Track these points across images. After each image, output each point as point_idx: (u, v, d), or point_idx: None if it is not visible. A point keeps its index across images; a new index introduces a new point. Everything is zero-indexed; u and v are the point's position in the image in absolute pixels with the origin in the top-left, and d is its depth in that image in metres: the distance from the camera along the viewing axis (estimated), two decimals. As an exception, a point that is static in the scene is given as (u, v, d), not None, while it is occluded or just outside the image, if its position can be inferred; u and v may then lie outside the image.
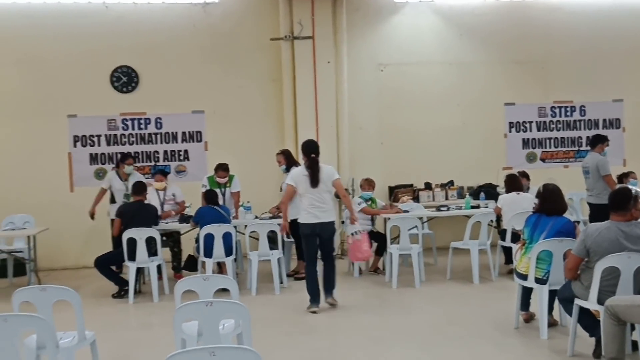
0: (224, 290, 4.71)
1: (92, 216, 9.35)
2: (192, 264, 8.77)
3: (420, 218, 9.14)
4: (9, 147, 10.37)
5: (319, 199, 7.16)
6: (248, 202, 9.06)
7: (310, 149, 7.28)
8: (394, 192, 10.75)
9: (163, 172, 9.45)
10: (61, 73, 10.45)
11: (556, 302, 5.85)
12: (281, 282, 8.40)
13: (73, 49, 10.46)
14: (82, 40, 10.46)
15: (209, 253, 8.17)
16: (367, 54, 11.09)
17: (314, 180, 7.11)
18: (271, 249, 8.32)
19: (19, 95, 10.41)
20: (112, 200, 9.31)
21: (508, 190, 8.67)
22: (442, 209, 9.36)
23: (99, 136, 10.60)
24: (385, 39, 11.17)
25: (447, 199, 10.65)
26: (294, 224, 8.03)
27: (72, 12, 10.41)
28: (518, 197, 8.44)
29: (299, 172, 7.28)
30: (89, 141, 10.58)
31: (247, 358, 2.76)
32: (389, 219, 8.65)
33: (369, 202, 9.16)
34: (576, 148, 11.81)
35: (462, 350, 5.73)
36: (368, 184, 9.25)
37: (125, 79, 10.64)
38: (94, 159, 10.61)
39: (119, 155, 10.09)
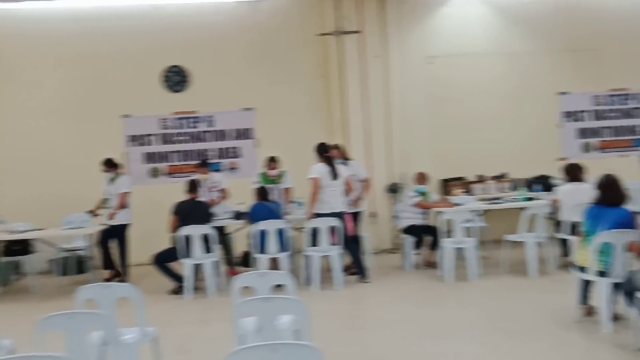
0: (278, 286, 4.75)
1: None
2: (247, 260, 8.86)
3: (474, 211, 9.03)
4: (67, 148, 10.64)
5: (337, 191, 8.25)
6: (300, 197, 9.10)
7: (324, 150, 8.42)
8: (446, 186, 10.65)
9: (206, 164, 9.53)
10: (115, 75, 10.69)
11: (618, 295, 5.71)
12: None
13: (125, 50, 10.68)
14: (133, 42, 10.67)
15: (263, 249, 8.24)
16: (416, 46, 11.00)
17: (335, 174, 8.25)
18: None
19: (74, 97, 10.68)
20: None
21: (567, 181, 8.44)
22: (496, 201, 9.23)
23: (152, 135, 10.80)
24: (433, 31, 11.07)
25: (500, 191, 10.50)
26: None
27: (124, 14, 10.63)
28: (577, 187, 8.21)
29: (322, 168, 8.29)
30: (143, 141, 10.79)
31: (308, 354, 2.78)
32: (443, 212, 8.58)
33: (423, 196, 9.10)
34: (633, 137, 11.49)
35: (521, 344, 5.64)
36: (422, 177, 9.21)
37: (176, 79, 10.81)
38: (148, 157, 10.81)
39: (170, 155, 10.37)
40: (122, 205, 9.31)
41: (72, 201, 9.59)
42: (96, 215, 9.35)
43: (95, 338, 4.31)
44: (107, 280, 8.93)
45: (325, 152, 8.43)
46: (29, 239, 9.16)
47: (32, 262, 9.42)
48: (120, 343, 3.85)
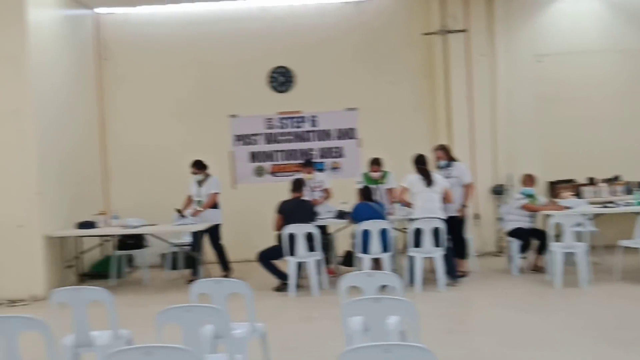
0: (382, 286, 4.74)
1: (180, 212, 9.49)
2: (349, 260, 8.91)
3: (585, 215, 8.68)
4: (177, 147, 11.00)
5: (433, 197, 8.20)
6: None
7: (420, 162, 8.43)
8: (554, 188, 10.31)
9: (311, 163, 9.51)
10: (223, 76, 11.01)
11: None
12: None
13: (234, 52, 10.98)
14: (242, 44, 10.96)
15: (365, 249, 8.26)
16: (524, 45, 10.69)
17: (430, 181, 8.26)
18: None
19: (185, 99, 11.07)
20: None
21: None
22: (609, 205, 8.85)
23: (258, 135, 11.05)
24: (543, 29, 10.71)
25: (613, 194, 10.05)
26: (453, 221, 8.36)
27: (232, 17, 10.96)
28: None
29: (413, 177, 8.39)
30: (248, 140, 11.06)
31: (421, 356, 2.77)
32: (551, 215, 8.31)
33: (530, 199, 8.84)
34: None
35: (635, 356, 5.38)
36: (529, 179, 8.95)
37: (281, 79, 11.01)
38: (253, 157, 11.07)
39: (275, 154, 10.60)
40: (212, 205, 9.51)
41: (181, 198, 9.91)
42: (183, 215, 9.41)
43: (208, 331, 4.46)
44: (190, 281, 8.57)
45: (421, 164, 8.39)
46: (142, 234, 9.56)
47: (144, 256, 9.84)
48: (232, 337, 3.96)
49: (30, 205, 8.73)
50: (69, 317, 4.63)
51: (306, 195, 9.11)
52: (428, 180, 8.24)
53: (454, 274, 8.38)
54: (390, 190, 9.24)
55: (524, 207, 8.78)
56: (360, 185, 9.03)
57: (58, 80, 9.64)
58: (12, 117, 8.69)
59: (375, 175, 9.17)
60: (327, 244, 9.25)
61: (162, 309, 3.89)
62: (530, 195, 8.89)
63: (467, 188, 8.84)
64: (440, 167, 8.79)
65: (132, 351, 2.99)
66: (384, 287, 4.86)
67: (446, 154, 8.88)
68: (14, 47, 8.67)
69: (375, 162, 9.18)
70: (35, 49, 8.88)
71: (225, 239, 9.88)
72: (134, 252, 9.96)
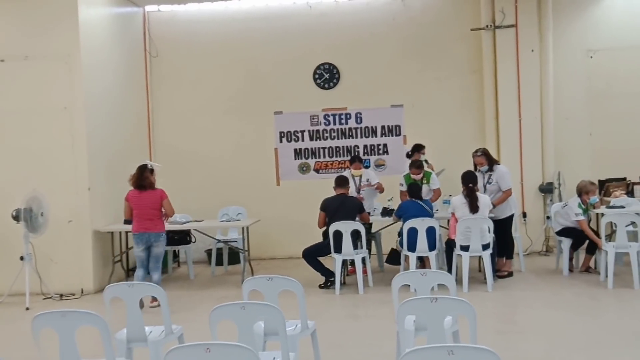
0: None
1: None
2: (395, 258, 8.84)
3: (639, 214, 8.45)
4: (223, 143, 11.06)
5: (476, 228, 7.90)
6: (450, 195, 8.92)
7: (470, 179, 8.15)
8: (605, 186, 10.06)
9: (360, 159, 9.40)
10: (268, 72, 11.00)
11: None
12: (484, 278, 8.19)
13: (279, 49, 10.95)
14: (287, 40, 10.93)
15: (412, 247, 8.18)
16: (575, 40, 10.44)
17: (474, 208, 7.98)
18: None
19: (231, 95, 11.07)
20: None
21: None
22: (663, 204, 8.60)
23: (302, 132, 11.02)
24: (595, 23, 10.42)
25: (667, 193, 9.76)
26: (502, 220, 8.28)
27: (278, 14, 10.93)
28: None
29: (459, 201, 8.13)
30: (293, 137, 11.04)
31: (486, 359, 2.71)
32: (603, 215, 8.11)
33: (584, 211, 8.51)
34: None
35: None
36: (595, 187, 8.62)
37: (327, 76, 10.96)
38: (298, 153, 11.04)
39: (319, 151, 10.58)
40: None
41: (227, 194, 9.96)
42: None
43: (259, 328, 4.45)
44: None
45: (469, 182, 8.12)
46: (187, 230, 9.62)
47: (189, 252, 9.90)
48: (285, 334, 3.94)
49: (81, 201, 8.85)
50: (119, 311, 4.67)
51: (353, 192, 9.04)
52: (473, 206, 8.00)
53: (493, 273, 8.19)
54: (436, 191, 9.09)
55: (580, 224, 8.43)
56: (403, 188, 8.94)
57: (109, 78, 9.75)
58: (64, 114, 8.81)
59: (416, 177, 8.98)
60: (371, 242, 9.19)
61: (214, 306, 3.89)
62: (585, 209, 8.56)
63: (504, 194, 8.58)
64: (481, 173, 8.60)
65: (192, 348, 2.99)
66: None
67: (487, 159, 8.66)
68: (66, 45, 8.78)
69: (415, 166, 8.96)
70: (87, 47, 8.98)
71: (269, 236, 9.88)
72: (180, 248, 10.03)
